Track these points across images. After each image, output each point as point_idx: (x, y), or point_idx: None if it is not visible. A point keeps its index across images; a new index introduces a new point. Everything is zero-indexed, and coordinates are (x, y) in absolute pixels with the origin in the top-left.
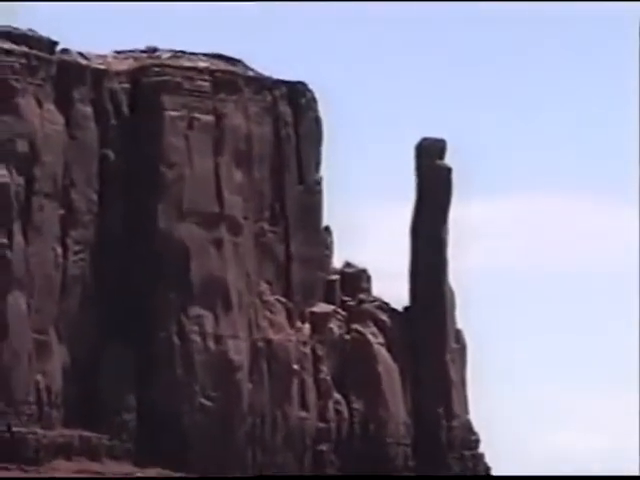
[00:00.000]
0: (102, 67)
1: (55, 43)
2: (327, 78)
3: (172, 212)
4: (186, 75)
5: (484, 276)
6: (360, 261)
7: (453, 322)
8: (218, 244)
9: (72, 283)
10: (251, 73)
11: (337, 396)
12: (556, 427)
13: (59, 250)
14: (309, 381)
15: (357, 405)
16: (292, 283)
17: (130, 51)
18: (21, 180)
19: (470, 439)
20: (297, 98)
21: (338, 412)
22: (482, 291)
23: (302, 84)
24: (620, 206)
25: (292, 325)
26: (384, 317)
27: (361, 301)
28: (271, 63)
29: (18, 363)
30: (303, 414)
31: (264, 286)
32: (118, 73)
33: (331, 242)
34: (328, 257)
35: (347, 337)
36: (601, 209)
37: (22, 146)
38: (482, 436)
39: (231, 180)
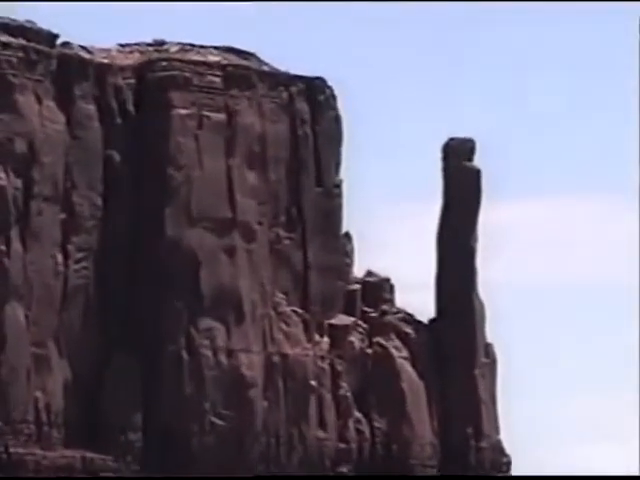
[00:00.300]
0: (106, 62)
1: (55, 36)
2: (347, 73)
3: (181, 217)
4: (195, 70)
5: (515, 286)
6: (383, 270)
7: (483, 335)
8: (230, 252)
9: (74, 293)
10: (265, 68)
11: (358, 415)
12: (594, 448)
13: (60, 258)
14: (328, 398)
15: (379, 424)
16: (310, 293)
17: (136, 44)
18: (19, 183)
19: (501, 461)
20: (315, 95)
21: (359, 432)
22: (514, 302)
23: (321, 80)
24: None
25: (309, 338)
26: (408, 330)
27: (384, 312)
28: (287, 57)
29: (16, 379)
30: (321, 434)
31: (279, 296)
32: (123, 68)
33: (351, 249)
34: (348, 265)
35: (369, 351)
36: None
37: (20, 146)
38: (514, 458)
39: (244, 183)
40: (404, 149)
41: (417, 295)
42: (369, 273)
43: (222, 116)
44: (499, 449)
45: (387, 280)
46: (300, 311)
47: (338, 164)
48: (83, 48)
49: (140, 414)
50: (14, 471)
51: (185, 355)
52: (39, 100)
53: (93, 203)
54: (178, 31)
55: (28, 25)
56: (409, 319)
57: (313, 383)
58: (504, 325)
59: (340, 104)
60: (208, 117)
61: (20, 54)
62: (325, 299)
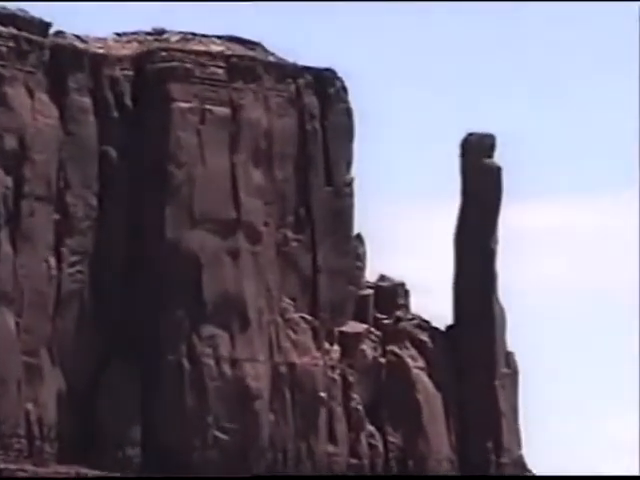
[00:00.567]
0: (101, 52)
1: (48, 24)
2: (359, 64)
3: (182, 218)
4: (197, 61)
5: (538, 290)
6: (396, 273)
7: (503, 343)
8: (234, 254)
9: (67, 299)
10: (272, 58)
11: (370, 428)
12: (621, 463)
13: (52, 261)
14: (338, 411)
15: (393, 438)
16: (319, 299)
17: (133, 33)
18: (9, 181)
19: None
20: (325, 87)
21: (372, 446)
22: (536, 307)
23: (330, 71)
24: None
25: (319, 347)
26: (424, 337)
27: (398, 319)
28: (295, 47)
29: (5, 390)
30: (331, 449)
31: (287, 302)
32: (120, 59)
33: (363, 252)
34: (360, 269)
35: (382, 360)
36: None
37: (10, 142)
38: (536, 474)
39: (249, 181)
40: (419, 145)
41: (433, 300)
42: (382, 277)
43: (226, 110)
44: (521, 464)
45: (401, 284)
46: (309, 318)
47: (349, 161)
48: (77, 37)
49: (138, 428)
50: None
51: (186, 365)
52: (30, 93)
53: (88, 203)
54: (179, 19)
55: (19, 13)
56: (425, 326)
57: (323, 395)
58: (526, 332)
59: (351, 97)
60: (211, 111)
61: (11, 44)
62: (335, 305)
